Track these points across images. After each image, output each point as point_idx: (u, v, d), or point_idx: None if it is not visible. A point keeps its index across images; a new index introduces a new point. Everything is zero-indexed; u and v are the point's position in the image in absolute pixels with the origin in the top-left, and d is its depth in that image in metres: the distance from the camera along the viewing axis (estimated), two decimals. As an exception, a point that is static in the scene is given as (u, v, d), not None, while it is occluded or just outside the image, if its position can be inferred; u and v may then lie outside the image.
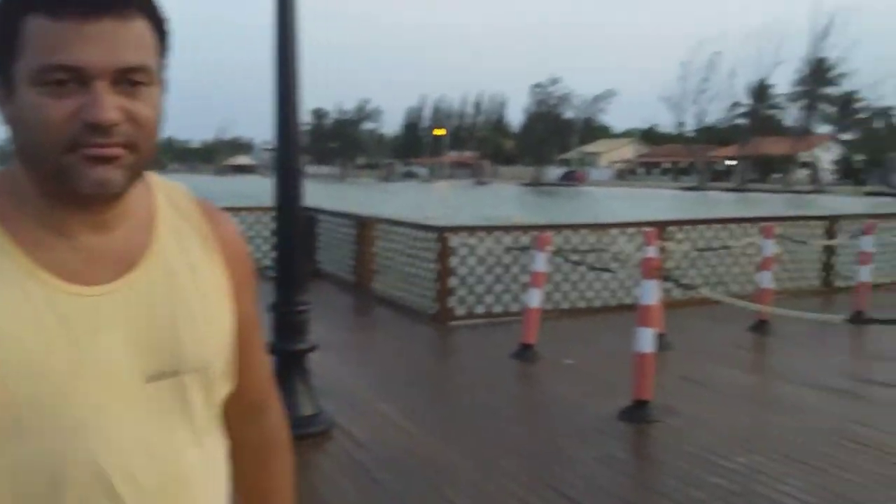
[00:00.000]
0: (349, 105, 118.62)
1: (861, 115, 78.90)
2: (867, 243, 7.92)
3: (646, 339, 4.70)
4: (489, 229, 8.09)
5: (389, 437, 4.51)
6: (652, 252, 6.39)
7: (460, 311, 7.79)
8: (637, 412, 4.72)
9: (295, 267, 4.30)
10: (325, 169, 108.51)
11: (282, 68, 4.26)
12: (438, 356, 7.10)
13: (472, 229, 8.07)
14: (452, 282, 7.73)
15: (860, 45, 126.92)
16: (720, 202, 49.66)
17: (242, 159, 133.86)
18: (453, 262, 7.74)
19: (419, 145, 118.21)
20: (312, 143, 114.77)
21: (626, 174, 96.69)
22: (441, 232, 7.76)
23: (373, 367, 6.33)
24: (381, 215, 10.66)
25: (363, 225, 9.53)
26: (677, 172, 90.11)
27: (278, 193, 4.35)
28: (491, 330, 7.54)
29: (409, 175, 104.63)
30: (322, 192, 38.52)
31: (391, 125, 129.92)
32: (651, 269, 4.76)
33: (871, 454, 4.22)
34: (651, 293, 4.74)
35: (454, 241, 7.75)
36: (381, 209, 19.55)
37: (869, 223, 8.11)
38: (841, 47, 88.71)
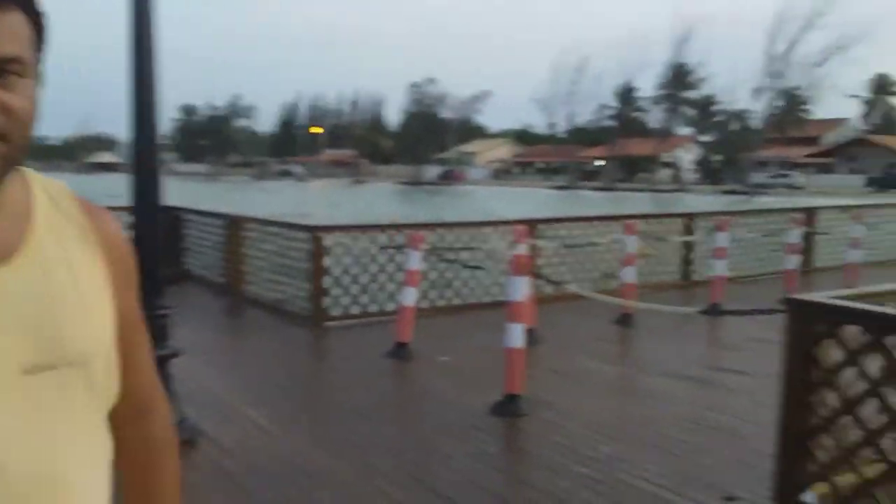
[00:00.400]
0: (221, 101, 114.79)
1: (718, 118, 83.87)
2: (722, 239, 8.41)
3: (516, 335, 4.79)
4: (364, 228, 8.04)
5: (259, 444, 4.38)
6: (522, 249, 6.54)
7: (335, 311, 7.69)
8: (509, 406, 4.80)
9: (153, 269, 4.09)
10: (195, 167, 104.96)
11: (138, 57, 4.04)
12: (312, 358, 6.98)
13: (346, 228, 7.99)
14: (327, 282, 7.62)
15: (717, 51, 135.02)
16: (590, 200, 51.53)
17: (106, 157, 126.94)
18: (328, 261, 7.63)
19: (295, 143, 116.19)
20: (181, 140, 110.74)
21: (502, 173, 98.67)
22: (314, 231, 7.63)
23: (243, 371, 6.14)
24: (254, 214, 10.37)
25: (233, 225, 9.24)
26: (550, 172, 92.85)
27: (135, 191, 4.13)
28: (366, 330, 7.49)
29: (286, 174, 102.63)
30: (191, 190, 37.18)
31: (266, 122, 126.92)
32: (520, 266, 4.85)
33: (724, 438, 4.47)
34: (520, 289, 4.83)
35: (328, 240, 7.64)
36: (255, 208, 19.06)
37: (722, 220, 8.61)
38: (699, 53, 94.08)
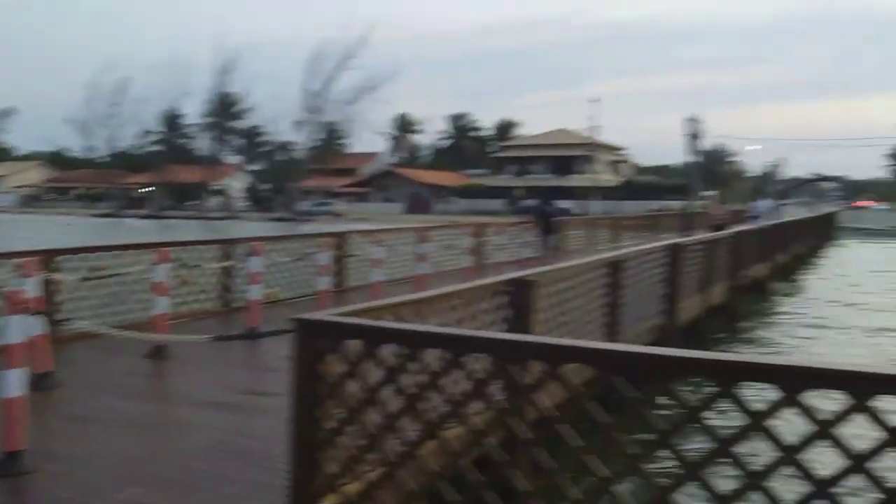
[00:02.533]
0: None
1: (265, 148, 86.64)
2: (256, 264, 8.55)
3: (13, 383, 4.17)
4: None
5: None
6: (31, 284, 5.82)
7: None
8: (8, 466, 4.16)
9: None
10: None
11: None
12: None
13: None
14: None
15: (261, 82, 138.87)
16: (135, 228, 48.90)
17: None
18: None
19: None
20: None
21: (33, 200, 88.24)
22: None
23: None
24: None
25: None
26: (92, 198, 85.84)
27: None
28: None
29: None
30: None
31: None
32: (15, 304, 4.25)
33: (251, 462, 4.46)
34: (17, 330, 4.22)
35: None
36: None
37: (257, 245, 8.76)
38: (243, 83, 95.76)
